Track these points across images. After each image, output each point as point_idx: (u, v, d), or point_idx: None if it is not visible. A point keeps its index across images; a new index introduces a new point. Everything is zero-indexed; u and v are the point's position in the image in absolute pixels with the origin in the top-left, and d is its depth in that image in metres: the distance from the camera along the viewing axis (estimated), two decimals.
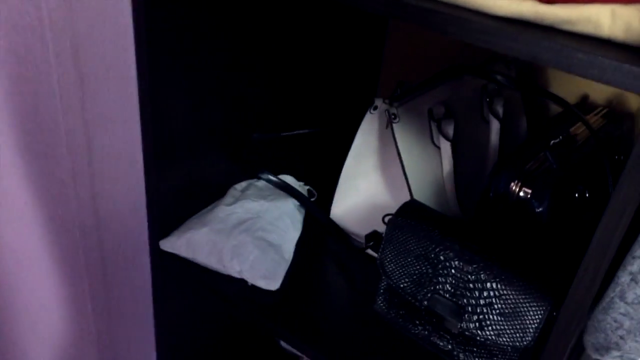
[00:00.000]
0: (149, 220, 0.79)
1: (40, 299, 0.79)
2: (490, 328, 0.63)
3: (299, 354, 1.10)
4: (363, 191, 0.89)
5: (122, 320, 0.91)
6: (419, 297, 0.67)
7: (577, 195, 0.72)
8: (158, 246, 0.79)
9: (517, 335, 0.61)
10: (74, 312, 0.84)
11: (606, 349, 0.53)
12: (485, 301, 0.63)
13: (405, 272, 0.68)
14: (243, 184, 0.89)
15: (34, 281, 0.77)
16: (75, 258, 0.80)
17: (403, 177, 0.77)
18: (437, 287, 0.66)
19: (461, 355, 0.67)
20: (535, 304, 0.60)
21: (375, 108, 0.82)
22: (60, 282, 0.80)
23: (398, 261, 0.69)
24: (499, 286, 0.62)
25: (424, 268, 0.67)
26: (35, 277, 0.77)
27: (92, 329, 0.88)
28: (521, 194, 0.69)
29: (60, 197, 0.74)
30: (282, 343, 1.16)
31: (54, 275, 0.79)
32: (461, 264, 0.64)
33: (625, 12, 0.43)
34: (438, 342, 0.68)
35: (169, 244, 0.78)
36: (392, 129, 0.77)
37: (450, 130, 0.78)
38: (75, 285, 0.82)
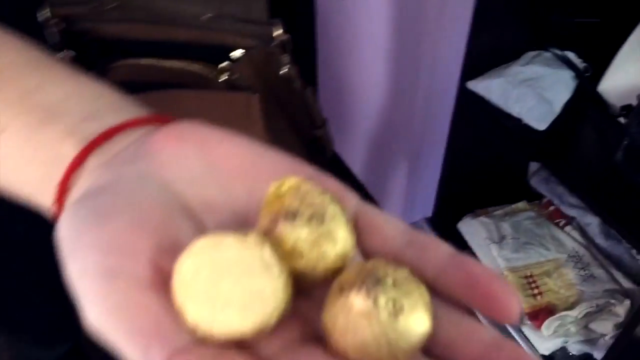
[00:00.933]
0: (463, 67, 1.15)
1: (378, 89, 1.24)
2: None
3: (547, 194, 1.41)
4: (632, 74, 1.11)
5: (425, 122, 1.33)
6: None
7: None
8: (465, 86, 1.15)
9: None
10: (400, 105, 1.27)
11: None
12: None
13: None
14: (534, 52, 1.18)
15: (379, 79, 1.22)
16: (413, 81, 1.21)
17: None
18: None
19: None
20: None
21: None
22: (397, 85, 1.23)
23: None
24: None
25: None
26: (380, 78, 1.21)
27: (412, 121, 1.32)
28: None
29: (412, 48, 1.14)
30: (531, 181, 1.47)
31: (392, 79, 1.22)
32: None
33: None
34: None
35: (473, 85, 1.14)
36: None
37: None
38: (405, 93, 1.24)
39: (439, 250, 0.23)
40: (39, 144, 0.27)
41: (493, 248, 1.34)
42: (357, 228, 0.25)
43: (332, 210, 0.23)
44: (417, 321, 0.21)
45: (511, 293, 0.22)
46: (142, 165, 0.25)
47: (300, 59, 0.63)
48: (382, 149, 1.51)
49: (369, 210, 0.25)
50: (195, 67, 0.58)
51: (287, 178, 0.23)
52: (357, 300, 0.21)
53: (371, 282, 0.21)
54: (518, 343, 1.21)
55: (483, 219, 1.41)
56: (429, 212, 1.56)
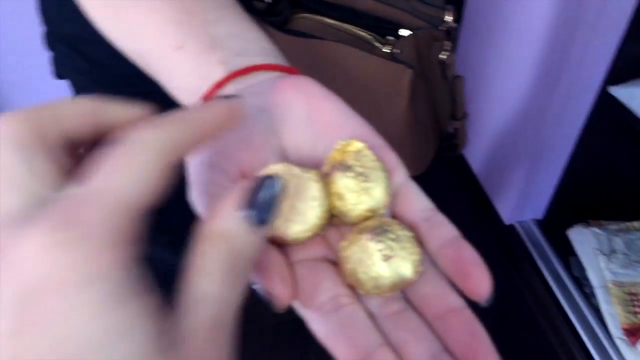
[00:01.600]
0: (608, 72, 1.16)
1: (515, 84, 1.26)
2: None
3: None
4: None
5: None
6: None
7: None
8: (606, 90, 1.16)
9: None
10: (535, 104, 1.29)
11: None
12: None
13: None
14: None
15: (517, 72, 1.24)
16: (553, 82, 1.23)
17: None
18: None
19: None
20: None
21: None
22: (536, 83, 1.25)
23: None
24: None
25: None
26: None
27: (543, 121, 1.33)
28: None
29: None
30: None
31: (532, 76, 1.24)
32: None
33: None
34: None
35: (615, 90, 1.14)
36: None
37: None
38: (542, 92, 1.26)
39: (447, 231, 0.30)
40: (201, 63, 0.37)
41: (601, 260, 1.34)
42: (395, 195, 0.31)
43: (377, 174, 0.30)
44: (401, 269, 0.28)
45: (485, 278, 0.27)
46: (262, 101, 0.34)
47: None
48: (505, 144, 1.53)
49: (410, 186, 0.32)
50: (365, 34, 0.64)
51: (355, 141, 0.31)
52: (365, 241, 0.28)
53: (380, 232, 0.28)
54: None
55: (595, 229, 1.40)
56: (539, 215, 1.56)
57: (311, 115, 0.33)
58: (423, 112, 0.69)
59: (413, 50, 0.62)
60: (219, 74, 0.36)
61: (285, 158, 0.33)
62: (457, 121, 0.71)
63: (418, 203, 0.31)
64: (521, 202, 1.54)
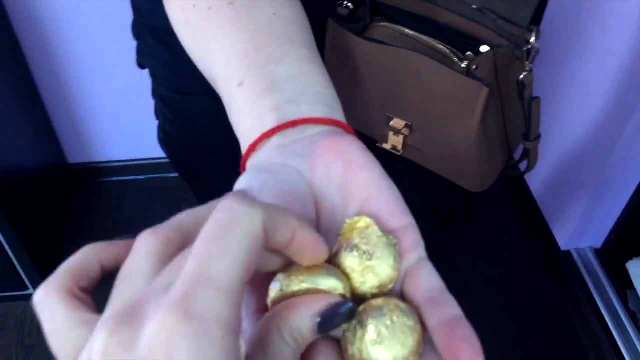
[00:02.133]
0: None
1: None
2: None
3: None
4: None
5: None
6: None
7: None
8: None
9: None
10: (608, 129, 1.26)
11: None
12: None
13: None
14: None
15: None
16: (631, 107, 1.19)
17: None
18: None
19: None
20: None
21: None
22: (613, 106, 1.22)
23: None
24: None
25: None
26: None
27: (614, 148, 1.30)
28: None
29: None
30: None
31: (609, 99, 1.21)
32: None
33: None
34: None
35: None
36: None
37: None
38: (617, 118, 1.22)
39: (448, 310, 0.28)
40: (255, 106, 0.38)
41: None
42: (407, 274, 0.31)
43: (383, 251, 0.30)
44: (386, 356, 0.28)
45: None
46: (302, 165, 0.35)
47: None
48: (569, 168, 1.50)
49: (423, 266, 0.31)
50: (443, 47, 0.64)
51: (364, 217, 0.31)
52: (358, 322, 0.29)
53: (377, 315, 0.29)
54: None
55: None
56: (598, 244, 1.52)
57: (345, 184, 0.34)
58: (493, 131, 0.68)
59: (491, 68, 0.62)
60: (269, 123, 0.37)
61: (317, 224, 0.34)
62: (530, 142, 0.69)
63: (427, 283, 0.31)
64: (580, 229, 1.50)
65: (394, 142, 0.70)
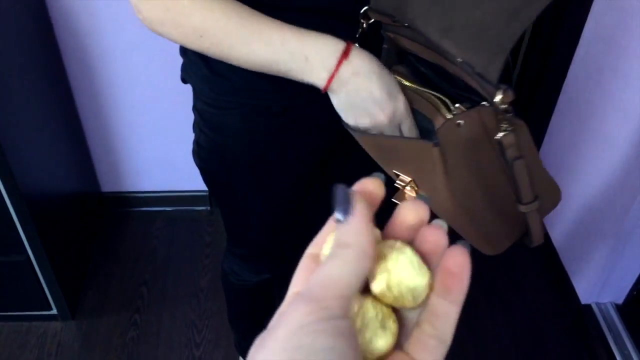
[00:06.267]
0: None
1: None
2: None
3: None
4: None
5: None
6: None
7: None
8: None
9: None
10: (629, 180, 1.26)
11: None
12: None
13: None
14: None
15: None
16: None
17: None
18: None
19: None
20: None
21: None
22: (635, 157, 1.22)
23: None
24: None
25: None
26: None
27: (634, 202, 1.29)
28: None
29: None
30: None
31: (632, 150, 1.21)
32: None
33: None
34: None
35: None
36: None
37: None
38: (635, 172, 1.23)
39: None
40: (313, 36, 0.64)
41: None
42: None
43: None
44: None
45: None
46: None
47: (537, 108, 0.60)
48: (590, 220, 1.49)
49: None
50: (434, 98, 0.64)
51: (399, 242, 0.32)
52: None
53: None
54: None
55: None
56: (619, 299, 1.50)
57: None
58: (478, 192, 0.64)
59: (480, 126, 0.59)
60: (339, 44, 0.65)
61: None
62: (524, 205, 0.64)
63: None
64: (601, 283, 1.49)
65: (407, 195, 0.68)
